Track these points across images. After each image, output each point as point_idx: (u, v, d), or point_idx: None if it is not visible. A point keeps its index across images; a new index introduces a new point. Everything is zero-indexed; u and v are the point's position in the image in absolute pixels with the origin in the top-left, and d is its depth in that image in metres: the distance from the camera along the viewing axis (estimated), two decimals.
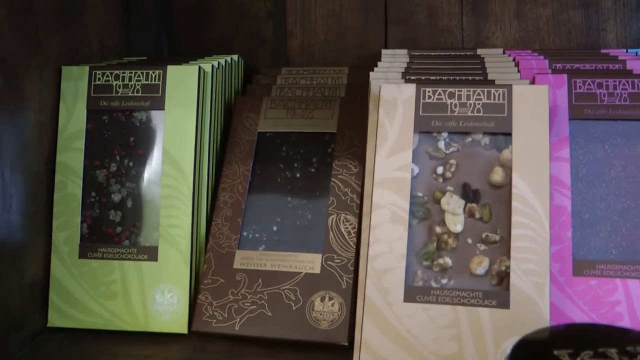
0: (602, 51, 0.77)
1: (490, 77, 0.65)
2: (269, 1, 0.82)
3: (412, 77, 0.66)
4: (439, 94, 0.61)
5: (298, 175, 0.69)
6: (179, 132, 0.67)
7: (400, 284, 0.58)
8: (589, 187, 0.64)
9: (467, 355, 0.55)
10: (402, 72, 0.67)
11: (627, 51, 0.77)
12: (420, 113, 0.61)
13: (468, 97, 0.61)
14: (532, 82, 0.66)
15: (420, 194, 0.60)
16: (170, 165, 0.67)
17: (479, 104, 0.61)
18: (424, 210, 0.60)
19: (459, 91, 0.61)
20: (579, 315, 0.60)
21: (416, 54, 0.76)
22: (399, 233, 0.59)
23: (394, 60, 0.73)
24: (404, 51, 0.77)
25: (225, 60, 0.75)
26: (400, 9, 0.79)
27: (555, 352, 0.37)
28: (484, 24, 0.79)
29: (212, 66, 0.70)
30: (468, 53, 0.76)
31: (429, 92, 0.62)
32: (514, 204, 0.58)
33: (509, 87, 0.61)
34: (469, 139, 0.61)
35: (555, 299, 0.61)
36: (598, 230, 0.63)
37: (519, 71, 0.68)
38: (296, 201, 0.68)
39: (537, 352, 0.38)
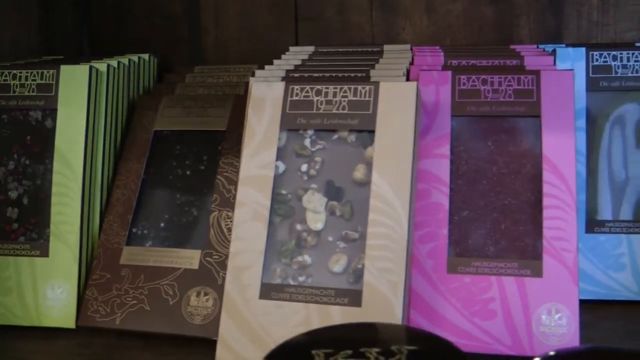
0: (512, 47, 0.75)
1: (373, 73, 0.65)
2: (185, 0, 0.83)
3: (296, 75, 0.66)
4: (307, 92, 0.61)
5: (188, 172, 0.70)
6: (70, 131, 0.68)
7: (257, 280, 0.58)
8: (470, 184, 0.63)
9: None
10: (287, 71, 0.67)
11: (537, 47, 0.75)
12: (287, 111, 0.61)
13: (335, 95, 0.61)
14: (416, 79, 0.66)
15: (284, 192, 0.60)
16: (61, 163, 0.68)
17: (344, 101, 0.61)
18: (287, 208, 0.60)
19: (326, 88, 0.61)
20: (452, 312, 0.60)
21: (323, 50, 0.76)
22: (259, 231, 0.59)
23: (292, 58, 0.73)
24: (311, 48, 0.77)
25: (137, 59, 0.76)
26: (311, 5, 0.79)
27: (313, 352, 0.37)
28: (394, 20, 0.78)
29: (109, 66, 0.71)
30: (375, 49, 0.76)
31: (297, 89, 0.62)
32: (372, 201, 0.58)
33: (376, 84, 0.60)
34: (336, 137, 0.61)
35: (428, 296, 0.61)
36: (477, 228, 0.62)
37: (408, 68, 0.68)
38: (184, 198, 0.69)
39: (295, 352, 0.38)
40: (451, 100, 0.65)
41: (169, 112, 0.73)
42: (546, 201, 0.61)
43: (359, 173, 0.59)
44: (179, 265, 0.65)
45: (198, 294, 0.64)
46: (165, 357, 0.61)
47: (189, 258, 0.65)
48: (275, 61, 0.71)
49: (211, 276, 0.64)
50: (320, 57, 0.73)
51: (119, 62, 0.73)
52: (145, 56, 0.79)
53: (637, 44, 0.74)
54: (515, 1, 0.76)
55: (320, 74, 0.65)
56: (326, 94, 0.61)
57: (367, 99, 0.60)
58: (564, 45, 0.74)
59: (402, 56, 0.71)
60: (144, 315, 0.64)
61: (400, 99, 0.60)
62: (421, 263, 0.61)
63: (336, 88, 0.61)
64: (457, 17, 0.77)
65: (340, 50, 0.76)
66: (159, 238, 0.68)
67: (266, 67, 0.68)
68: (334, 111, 0.60)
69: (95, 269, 0.67)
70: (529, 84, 0.64)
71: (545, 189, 0.62)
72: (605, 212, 0.71)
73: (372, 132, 0.60)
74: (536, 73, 0.64)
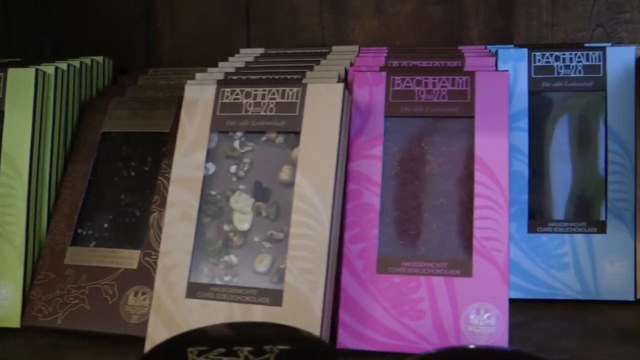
0: (459, 48, 0.75)
1: (310, 75, 0.65)
2: (141, 2, 0.84)
3: (234, 77, 0.67)
4: (237, 94, 0.62)
5: (133, 174, 0.71)
6: (17, 133, 0.70)
7: (184, 280, 0.59)
8: (402, 184, 0.64)
9: None
10: (227, 73, 0.67)
11: (485, 47, 0.75)
12: (218, 113, 0.62)
13: (263, 97, 0.62)
14: (351, 80, 0.66)
15: (214, 193, 0.61)
16: (8, 165, 0.70)
17: (272, 103, 0.61)
18: (215, 209, 0.61)
19: (255, 91, 0.62)
20: (380, 312, 0.60)
21: (272, 52, 0.77)
22: (187, 231, 0.60)
23: (238, 60, 0.74)
24: (261, 50, 0.78)
25: (90, 61, 0.78)
26: (262, 7, 0.80)
27: (188, 350, 0.38)
28: (343, 21, 0.78)
29: (57, 68, 0.72)
30: (323, 51, 0.76)
31: (227, 92, 0.62)
32: (295, 202, 0.58)
33: (303, 86, 0.61)
34: (264, 138, 0.62)
35: (357, 296, 0.61)
36: (408, 228, 0.63)
37: (347, 68, 0.68)
38: (128, 199, 0.70)
39: (172, 350, 0.39)
40: (385, 101, 0.65)
41: (116, 114, 0.74)
42: (477, 201, 0.61)
43: (285, 174, 0.60)
44: (119, 265, 0.66)
45: (136, 294, 0.65)
46: (102, 357, 0.63)
47: (129, 258, 0.66)
48: (221, 63, 0.72)
49: (149, 276, 0.65)
50: (265, 59, 0.73)
51: (69, 65, 0.74)
52: (100, 59, 0.80)
53: (587, 45, 0.74)
54: (464, 2, 0.76)
55: (258, 77, 0.66)
56: (255, 96, 0.62)
57: (294, 100, 0.61)
58: (512, 46, 0.74)
59: (346, 57, 0.72)
60: (84, 315, 0.65)
61: (327, 101, 0.60)
62: (352, 263, 0.62)
63: (265, 90, 0.62)
64: (406, 18, 0.77)
65: (288, 52, 0.76)
66: (102, 238, 0.69)
67: (209, 69, 0.69)
68: (262, 113, 0.61)
69: (40, 269, 0.69)
70: (464, 85, 0.64)
71: (477, 189, 0.62)
72: (548, 212, 0.71)
73: (299, 133, 0.60)
74: (471, 74, 0.65)
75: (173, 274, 0.59)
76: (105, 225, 0.69)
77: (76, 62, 0.76)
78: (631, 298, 0.69)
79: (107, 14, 0.86)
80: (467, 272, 0.60)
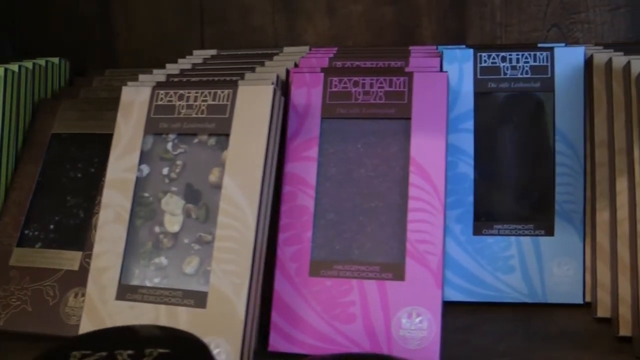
0: (410, 48, 0.75)
1: (248, 77, 0.65)
2: (98, 3, 0.84)
3: (176, 80, 0.67)
4: (170, 97, 0.62)
5: (79, 175, 0.71)
6: None
7: (115, 282, 0.59)
8: (337, 186, 0.64)
9: None
10: (168, 75, 0.68)
11: (436, 48, 0.75)
12: (152, 115, 0.62)
13: (195, 99, 0.62)
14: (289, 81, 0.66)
15: (146, 195, 0.61)
16: None
17: (204, 105, 0.61)
18: (148, 211, 0.61)
19: (188, 93, 0.62)
20: (312, 316, 0.60)
21: (224, 54, 0.77)
22: (120, 233, 0.60)
23: (186, 62, 0.74)
24: (214, 51, 0.78)
25: (44, 62, 0.78)
26: (216, 8, 0.80)
27: (72, 354, 0.38)
28: (295, 22, 0.78)
29: (6, 70, 0.73)
30: (274, 52, 0.76)
31: (162, 94, 0.63)
32: (222, 204, 0.58)
33: (234, 88, 0.61)
34: (196, 140, 0.62)
35: (290, 299, 0.61)
36: (343, 231, 0.62)
37: (288, 69, 0.68)
38: (74, 200, 0.70)
39: (56, 356, 0.39)
40: (322, 102, 0.65)
41: (67, 116, 0.74)
42: (412, 204, 0.61)
43: (214, 176, 0.60)
44: (61, 266, 0.67)
45: (76, 295, 0.65)
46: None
47: (71, 259, 0.67)
48: (168, 65, 0.72)
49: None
50: (215, 61, 0.74)
51: (20, 67, 0.75)
52: (56, 60, 0.81)
53: (540, 45, 0.73)
54: (417, 2, 0.75)
55: (198, 79, 0.66)
56: (188, 98, 0.62)
57: (225, 103, 0.61)
58: (463, 47, 0.73)
59: (292, 59, 0.71)
60: (25, 316, 0.66)
61: (257, 103, 0.60)
62: (285, 266, 0.61)
63: (197, 93, 0.62)
64: (358, 18, 0.77)
65: (239, 53, 0.76)
66: (47, 240, 0.69)
67: (154, 71, 0.69)
68: (194, 115, 0.61)
69: None
70: (401, 86, 0.64)
71: (412, 191, 0.61)
72: (495, 214, 0.70)
73: (229, 135, 0.60)
74: (409, 75, 0.64)
75: (104, 276, 0.60)
76: (51, 226, 0.70)
77: (29, 64, 0.77)
78: (579, 301, 0.68)
79: (67, 15, 0.86)
80: (399, 275, 0.60)
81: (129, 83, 0.65)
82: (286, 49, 0.76)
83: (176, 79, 0.66)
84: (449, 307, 0.69)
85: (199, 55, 0.77)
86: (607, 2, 0.75)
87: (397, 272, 0.60)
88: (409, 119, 0.63)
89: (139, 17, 0.82)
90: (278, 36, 0.79)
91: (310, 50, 0.76)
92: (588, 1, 0.75)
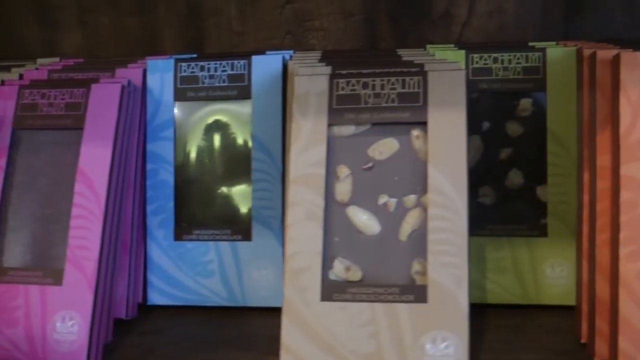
0: (148, 59, 0.77)
1: None
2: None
3: None
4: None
5: None
6: None
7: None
8: (20, 194, 0.67)
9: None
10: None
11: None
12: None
13: None
14: None
15: None
16: None
17: None
18: None
19: None
20: None
21: None
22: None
23: None
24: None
25: None
26: None
27: None
28: (52, 34, 0.81)
29: None
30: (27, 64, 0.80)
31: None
32: None
33: None
34: None
35: None
36: (21, 237, 0.66)
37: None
38: None
39: None
40: (14, 113, 0.68)
41: None
42: (74, 211, 0.64)
43: None
44: None
45: None
46: None
47: None
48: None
49: None
50: None
51: None
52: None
53: (268, 53, 0.74)
54: (158, 13, 0.77)
55: None
56: None
57: None
58: (195, 55, 0.75)
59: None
60: None
61: None
62: None
63: None
64: (106, 29, 0.80)
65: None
66: None
67: None
68: None
69: None
70: (80, 98, 0.66)
71: (75, 199, 0.64)
72: (194, 220, 0.72)
73: None
74: (87, 86, 0.67)
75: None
76: None
77: None
78: (279, 304, 0.69)
79: (38, 18, 0.85)
80: (58, 280, 0.62)
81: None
82: (39, 61, 0.80)
83: None
84: (153, 311, 0.71)
85: None
86: (340, 10, 0.75)
87: (56, 277, 0.63)
88: (82, 129, 0.65)
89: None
90: (34, 49, 0.82)
91: (60, 60, 0.79)
92: (321, 9, 0.76)
